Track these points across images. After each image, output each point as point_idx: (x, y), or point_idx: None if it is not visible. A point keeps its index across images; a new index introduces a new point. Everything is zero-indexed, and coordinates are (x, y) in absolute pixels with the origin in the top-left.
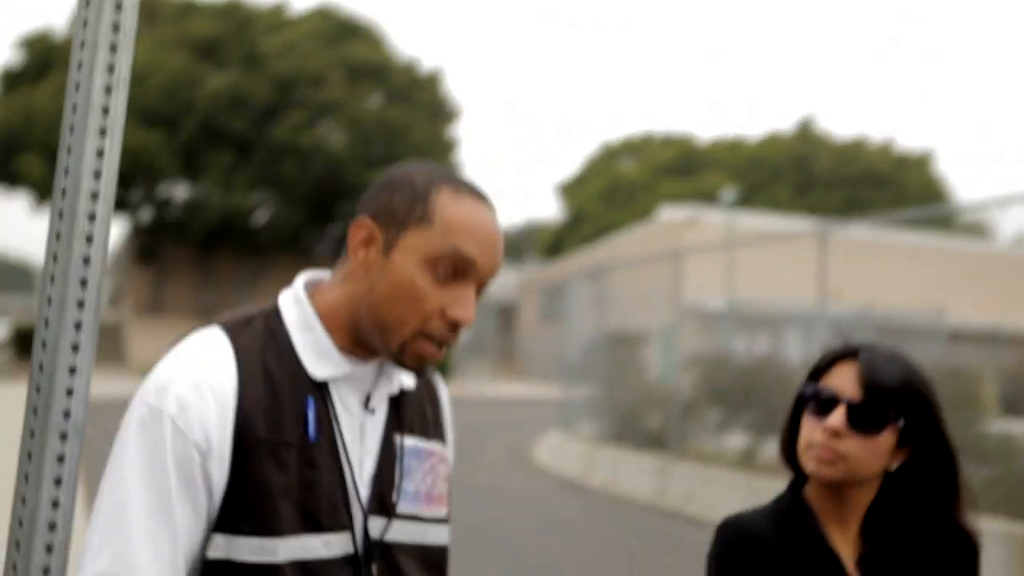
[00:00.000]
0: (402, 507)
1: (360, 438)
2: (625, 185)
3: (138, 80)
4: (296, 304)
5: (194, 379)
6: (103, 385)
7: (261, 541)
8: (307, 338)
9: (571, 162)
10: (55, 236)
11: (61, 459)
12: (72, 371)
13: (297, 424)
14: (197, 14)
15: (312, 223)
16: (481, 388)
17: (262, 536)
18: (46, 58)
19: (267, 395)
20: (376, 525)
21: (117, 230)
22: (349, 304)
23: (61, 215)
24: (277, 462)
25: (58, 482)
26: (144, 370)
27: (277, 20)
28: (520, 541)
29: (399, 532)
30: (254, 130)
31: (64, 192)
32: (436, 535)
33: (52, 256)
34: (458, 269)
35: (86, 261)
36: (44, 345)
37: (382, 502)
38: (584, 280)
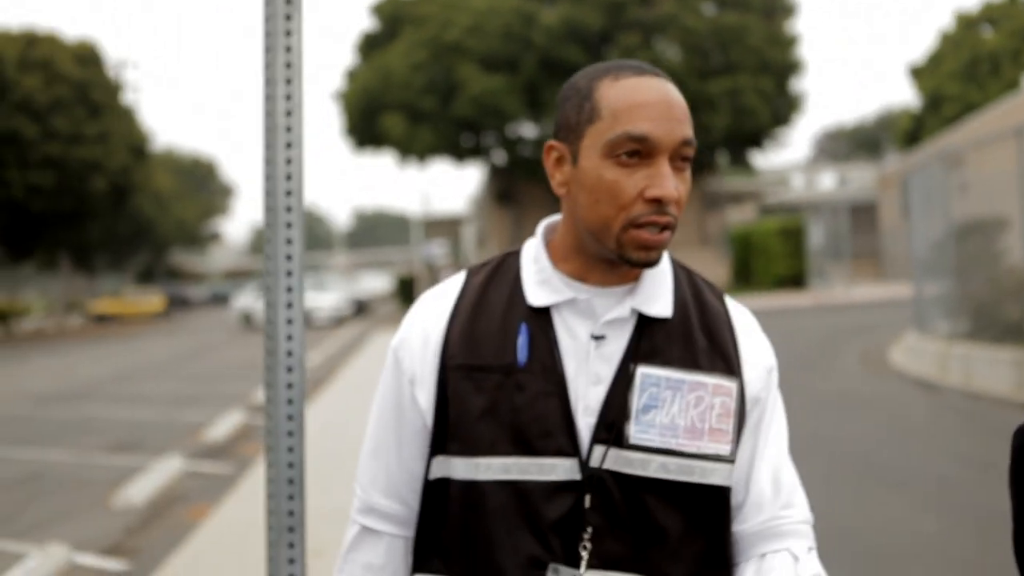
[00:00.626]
0: (646, 438)
1: (585, 364)
2: (986, 57)
3: (477, 28)
4: (534, 241)
5: (414, 317)
6: None
7: (466, 460)
8: (534, 268)
9: (923, 40)
10: (267, 224)
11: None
12: (289, 322)
13: (505, 349)
14: None
15: None
16: (842, 292)
17: (467, 456)
18: (396, 20)
19: (477, 324)
20: (606, 454)
21: (476, 175)
22: (570, 229)
23: (269, 209)
24: (475, 385)
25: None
26: None
27: None
28: (866, 443)
29: (642, 465)
30: (590, 58)
31: (268, 193)
32: (705, 473)
33: (267, 238)
34: (639, 149)
35: (288, 241)
36: (269, 305)
37: (613, 430)
38: (929, 167)
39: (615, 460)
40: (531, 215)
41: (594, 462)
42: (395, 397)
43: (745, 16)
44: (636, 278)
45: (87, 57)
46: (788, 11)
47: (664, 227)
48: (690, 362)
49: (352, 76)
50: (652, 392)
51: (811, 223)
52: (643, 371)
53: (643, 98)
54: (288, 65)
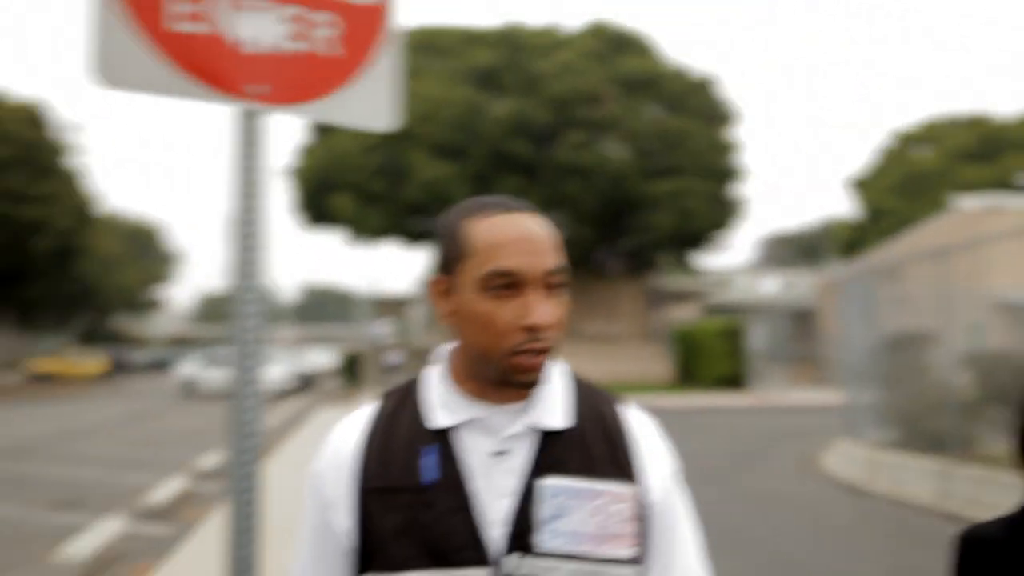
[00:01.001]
0: (554, 546)
1: (489, 480)
2: (919, 175)
3: (429, 117)
4: (439, 362)
5: (328, 444)
6: None
7: (390, 575)
8: (436, 392)
9: (862, 156)
10: (236, 313)
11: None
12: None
13: (412, 470)
14: (476, 43)
15: (602, 240)
16: (779, 394)
17: (389, 571)
18: None
19: (383, 448)
20: (518, 563)
21: (424, 258)
22: (461, 354)
23: (237, 300)
24: (387, 506)
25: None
26: None
27: (551, 40)
28: (789, 542)
29: (551, 571)
30: (538, 153)
31: (236, 287)
32: (615, 575)
33: (236, 325)
34: (508, 282)
35: (250, 325)
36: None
37: (523, 540)
38: (864, 278)
39: (527, 568)
40: None
41: (506, 570)
42: (317, 522)
43: (688, 121)
44: (531, 395)
45: (34, 119)
46: (730, 119)
47: (542, 351)
48: (589, 471)
49: (306, 153)
50: (557, 502)
51: (752, 325)
52: (547, 483)
53: (507, 235)
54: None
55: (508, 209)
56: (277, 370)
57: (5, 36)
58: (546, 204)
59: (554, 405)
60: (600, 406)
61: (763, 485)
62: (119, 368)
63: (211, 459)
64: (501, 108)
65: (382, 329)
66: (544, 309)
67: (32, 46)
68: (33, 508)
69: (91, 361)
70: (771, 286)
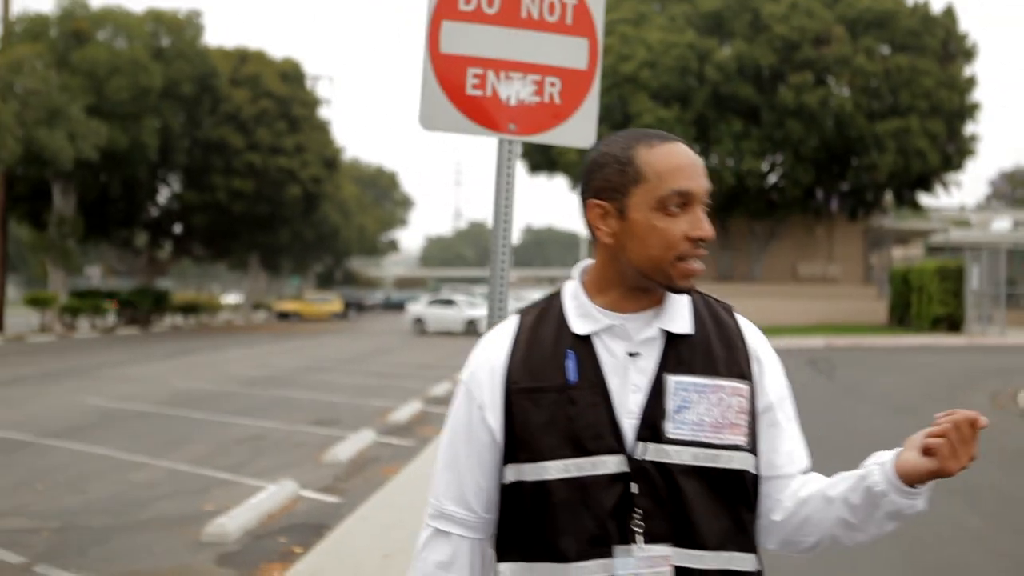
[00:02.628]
0: (678, 433)
1: (625, 378)
2: None
3: (653, 63)
4: (571, 282)
5: (478, 354)
6: None
7: (533, 465)
8: (574, 304)
9: None
10: (491, 262)
11: None
12: (500, 317)
13: (557, 372)
14: None
15: (822, 181)
16: (997, 337)
17: (533, 461)
18: None
19: (530, 353)
20: (647, 449)
21: None
22: (608, 269)
23: (493, 252)
24: (535, 403)
25: None
26: None
27: None
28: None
29: (677, 455)
30: (761, 96)
31: (493, 243)
32: (728, 460)
33: (490, 273)
34: (682, 201)
35: (502, 271)
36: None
37: (653, 429)
38: None
39: (655, 453)
40: None
41: (638, 455)
42: (466, 420)
43: (919, 59)
44: (659, 303)
45: (290, 74)
46: (966, 55)
47: (700, 258)
48: (711, 369)
49: None
50: (682, 396)
51: (972, 265)
52: (673, 379)
53: (679, 161)
54: (507, 198)
55: (670, 139)
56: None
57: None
58: (767, 146)
59: (679, 313)
60: (718, 314)
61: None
62: (353, 308)
63: (442, 387)
64: (725, 52)
65: None
66: (709, 224)
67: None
68: (298, 424)
69: (330, 302)
70: (1003, 225)
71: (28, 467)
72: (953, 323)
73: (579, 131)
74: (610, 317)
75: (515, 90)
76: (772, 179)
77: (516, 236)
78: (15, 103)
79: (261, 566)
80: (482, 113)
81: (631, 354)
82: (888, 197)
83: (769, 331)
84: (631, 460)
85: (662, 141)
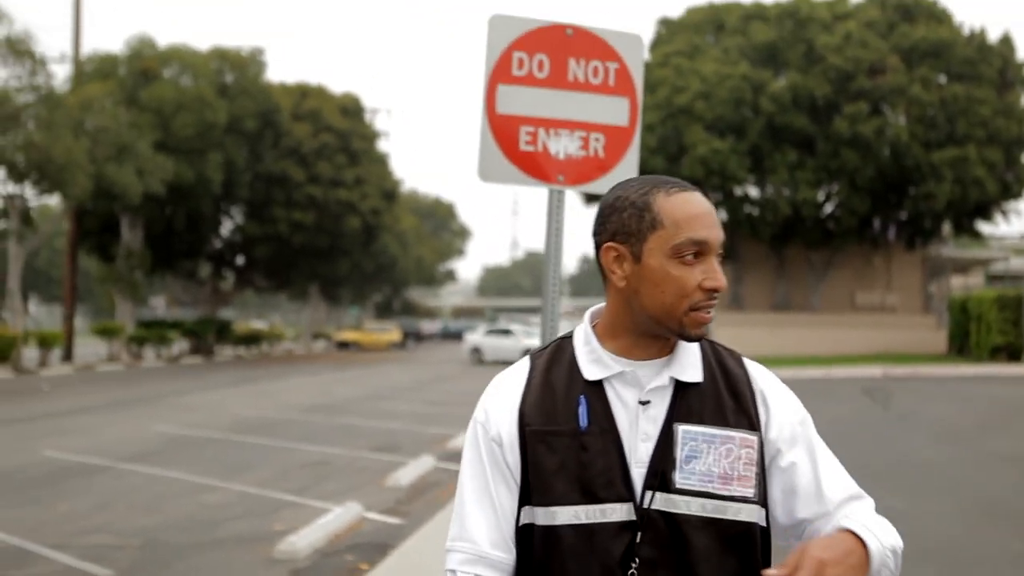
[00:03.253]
0: (687, 483)
1: (635, 426)
2: None
3: (708, 94)
4: (581, 326)
5: (492, 395)
6: None
7: (545, 509)
8: (586, 350)
9: None
10: (544, 295)
11: None
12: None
13: (569, 417)
14: (757, 19)
15: (878, 210)
16: None
17: (546, 505)
18: None
19: (544, 397)
20: (655, 498)
21: None
22: (621, 314)
23: (545, 286)
24: (549, 447)
25: None
26: None
27: (835, 12)
28: (998, 487)
29: (685, 506)
30: (815, 126)
31: (544, 282)
32: (736, 512)
33: (543, 304)
34: (697, 250)
35: (552, 304)
36: (543, 336)
37: (661, 478)
38: None
39: (663, 502)
40: (750, 270)
41: (647, 505)
42: (489, 458)
43: (976, 88)
44: (670, 351)
45: (350, 108)
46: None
47: (711, 308)
48: (720, 420)
49: None
50: (692, 446)
51: None
52: (683, 428)
53: (696, 210)
54: (557, 235)
55: (687, 188)
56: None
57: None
58: (823, 176)
59: (689, 361)
60: (726, 362)
61: (1008, 447)
62: (412, 337)
63: None
64: (779, 83)
65: None
66: (721, 274)
67: (333, 43)
68: (360, 450)
69: (388, 331)
70: None
71: (108, 489)
72: (1013, 352)
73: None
74: (621, 364)
75: (563, 145)
76: (828, 208)
77: (572, 265)
78: (86, 140)
79: None
80: (534, 166)
81: (642, 402)
82: (947, 226)
83: (828, 361)
84: (638, 509)
85: (680, 189)
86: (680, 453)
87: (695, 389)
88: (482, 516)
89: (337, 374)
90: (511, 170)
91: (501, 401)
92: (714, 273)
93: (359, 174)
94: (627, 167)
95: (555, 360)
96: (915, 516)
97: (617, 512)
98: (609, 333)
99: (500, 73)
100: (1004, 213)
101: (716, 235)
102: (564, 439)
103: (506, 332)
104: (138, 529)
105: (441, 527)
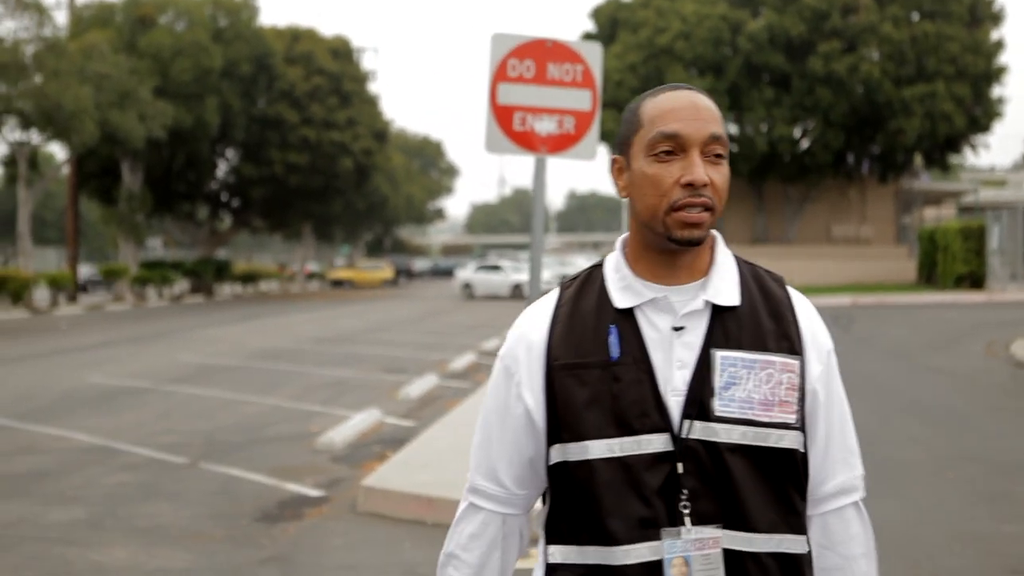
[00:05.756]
0: (726, 411)
1: (670, 353)
2: None
3: (687, 34)
4: (613, 253)
5: (517, 330)
6: None
7: (578, 445)
8: (616, 276)
9: None
10: (533, 233)
11: None
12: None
13: (600, 347)
14: None
15: (852, 145)
16: (1014, 293)
17: (577, 440)
18: (614, 24)
19: (572, 329)
20: (693, 427)
21: None
22: (634, 231)
23: (534, 229)
24: (579, 380)
25: None
26: None
27: None
28: (932, 395)
29: (725, 434)
30: (791, 64)
31: (534, 223)
32: (778, 439)
33: (532, 242)
34: (671, 147)
35: (539, 240)
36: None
37: (699, 407)
38: None
39: (702, 431)
40: (730, 205)
41: (684, 434)
42: (503, 398)
43: (946, 25)
44: (705, 273)
45: (340, 51)
46: (993, 19)
47: (704, 208)
48: (760, 344)
49: None
50: (731, 372)
51: (993, 224)
52: (721, 354)
53: (672, 104)
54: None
55: (678, 88)
56: (547, 274)
57: None
58: (798, 113)
59: (725, 284)
60: (767, 284)
61: (945, 362)
62: (403, 275)
63: (492, 342)
64: (756, 23)
65: None
66: (702, 169)
67: None
68: (370, 372)
69: (381, 269)
70: None
71: (160, 404)
72: (975, 280)
73: (585, 150)
74: (653, 290)
75: (545, 125)
76: (804, 144)
77: (560, 202)
78: (90, 87)
79: (364, 463)
80: (525, 140)
81: (676, 328)
82: (918, 159)
83: (803, 290)
84: (677, 439)
85: (670, 90)
86: (718, 380)
87: (733, 313)
88: (482, 455)
89: (336, 310)
90: (508, 144)
91: (524, 336)
92: (690, 167)
93: (351, 115)
94: (590, 139)
95: (584, 290)
96: (856, 412)
97: (654, 443)
98: (634, 255)
99: (500, 75)
100: (973, 146)
101: (694, 129)
102: (595, 371)
103: (496, 268)
104: (197, 432)
105: (447, 427)
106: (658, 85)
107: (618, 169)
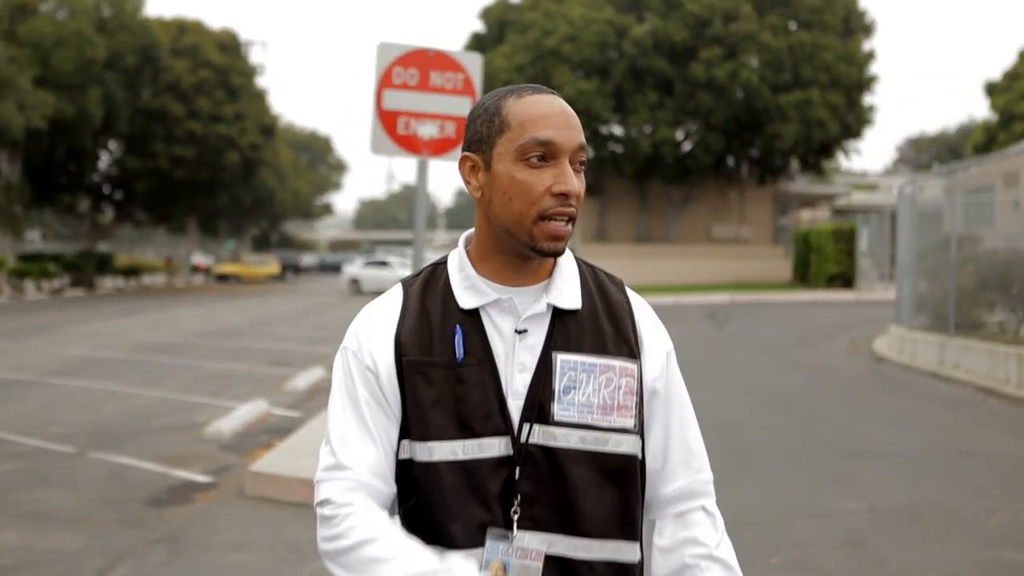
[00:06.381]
0: (565, 415)
1: (512, 356)
2: None
3: (574, 38)
4: (456, 252)
5: (367, 322)
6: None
7: (423, 444)
8: (460, 276)
9: (1003, 58)
10: (415, 228)
11: None
12: None
13: (445, 347)
14: None
15: (732, 148)
16: (881, 292)
17: (423, 440)
18: (503, 25)
19: (420, 327)
20: (533, 431)
21: None
22: (485, 232)
23: (416, 226)
24: (426, 379)
25: None
26: None
27: None
28: (797, 388)
29: (564, 438)
30: (674, 69)
31: (416, 218)
32: (616, 443)
33: (414, 239)
34: (544, 153)
35: (421, 236)
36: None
37: (539, 410)
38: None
39: (541, 435)
40: (615, 204)
41: (523, 438)
42: (365, 387)
43: (821, 35)
44: (548, 276)
45: (228, 44)
46: (865, 30)
47: (569, 219)
48: (600, 348)
49: None
50: (570, 375)
51: (862, 226)
52: (561, 357)
53: (545, 110)
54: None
55: (542, 91)
56: None
57: None
58: (681, 116)
59: (567, 287)
60: (607, 288)
61: (811, 357)
62: (290, 270)
63: None
64: (641, 28)
65: None
66: (574, 179)
67: None
68: (257, 365)
69: (268, 264)
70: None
71: (46, 396)
72: (846, 280)
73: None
74: (497, 290)
75: (427, 130)
76: (686, 147)
77: (450, 198)
78: None
79: (251, 451)
80: (409, 144)
81: (519, 331)
82: (795, 163)
83: (683, 289)
84: (516, 442)
85: (534, 92)
86: (558, 383)
87: (574, 316)
88: (361, 445)
89: (222, 304)
90: (393, 147)
91: (376, 329)
92: (564, 177)
93: (238, 109)
94: None
95: (429, 287)
96: (719, 404)
97: (495, 447)
98: (479, 255)
99: (385, 82)
100: (845, 152)
101: (567, 137)
102: (441, 370)
103: (384, 264)
104: (85, 423)
105: None
106: (547, 85)
107: (471, 167)
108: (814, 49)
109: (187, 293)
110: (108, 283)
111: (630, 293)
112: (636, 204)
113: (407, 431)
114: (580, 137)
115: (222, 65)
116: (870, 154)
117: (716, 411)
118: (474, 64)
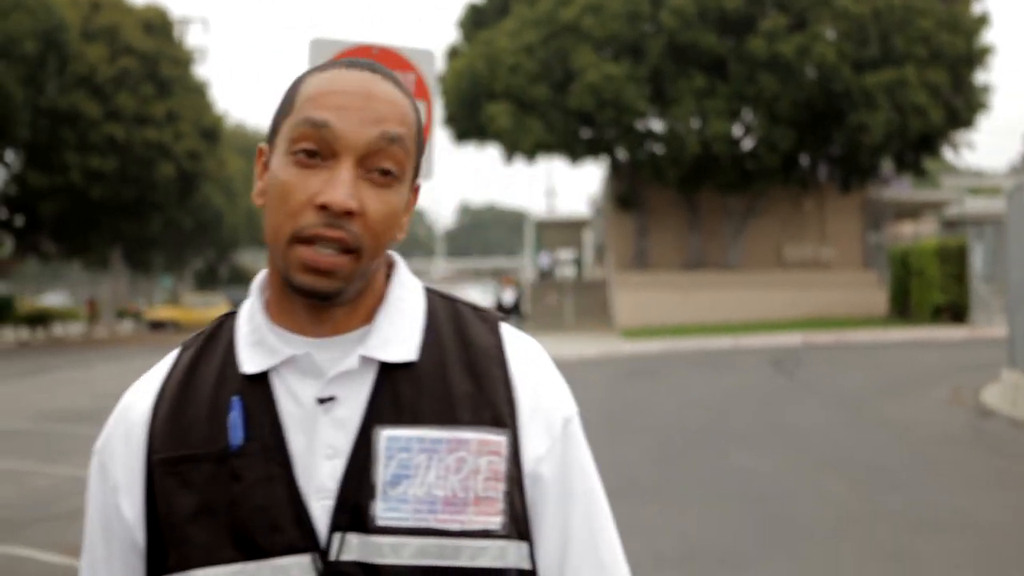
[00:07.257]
0: (396, 518)
1: (312, 436)
2: None
3: (598, 8)
4: (253, 292)
5: (120, 409)
6: (590, 348)
7: (185, 575)
8: (248, 328)
9: None
10: None
11: None
12: None
13: (216, 432)
14: None
15: (805, 145)
16: (999, 328)
17: (183, 569)
18: None
19: (181, 407)
20: (347, 544)
21: (597, 173)
22: (273, 263)
23: None
24: (182, 481)
25: None
26: (628, 333)
27: None
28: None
29: (393, 552)
30: (727, 45)
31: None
32: (473, 555)
33: None
34: (317, 149)
35: None
36: None
37: (355, 513)
38: None
39: (359, 549)
40: (656, 221)
41: (335, 555)
42: (102, 508)
43: None
44: (368, 319)
45: (156, 24)
46: None
47: (342, 248)
48: (447, 415)
49: (454, 56)
50: (402, 459)
51: (975, 243)
52: (387, 434)
53: (336, 86)
54: None
55: (356, 66)
56: None
57: None
58: (737, 105)
59: (397, 331)
60: (469, 329)
61: (897, 411)
62: None
63: None
64: None
65: (550, 258)
66: (349, 190)
67: None
68: None
69: (212, 305)
70: None
71: None
72: (957, 312)
73: (422, 168)
74: (293, 344)
75: None
76: (746, 145)
77: (450, 219)
78: None
79: None
80: None
81: (322, 400)
82: (888, 163)
83: (745, 328)
84: (325, 562)
85: (343, 66)
86: (384, 472)
87: (408, 372)
88: None
89: (153, 359)
90: None
91: (125, 422)
92: (332, 182)
93: (171, 108)
94: (426, 157)
95: (207, 349)
96: (759, 469)
97: (293, 570)
98: (276, 297)
99: None
100: (953, 146)
101: (354, 123)
102: (206, 466)
103: None
104: None
105: None
106: (564, 71)
107: (262, 164)
108: (908, 15)
109: (110, 345)
110: (8, 335)
111: (507, 334)
112: (684, 220)
113: (161, 563)
114: (384, 127)
115: (149, 51)
116: (988, 148)
117: (753, 478)
118: (427, 62)
